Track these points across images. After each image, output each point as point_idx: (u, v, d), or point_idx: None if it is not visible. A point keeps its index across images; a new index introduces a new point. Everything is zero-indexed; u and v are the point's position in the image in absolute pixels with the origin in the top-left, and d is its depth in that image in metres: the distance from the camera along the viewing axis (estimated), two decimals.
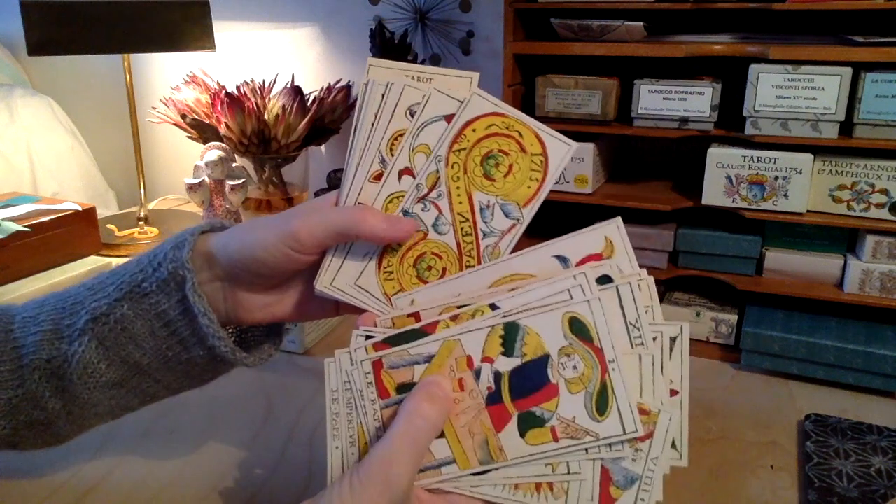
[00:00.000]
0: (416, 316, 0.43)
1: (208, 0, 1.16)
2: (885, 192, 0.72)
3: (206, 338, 0.46)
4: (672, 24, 0.87)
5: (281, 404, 0.72)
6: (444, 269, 0.46)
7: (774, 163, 0.74)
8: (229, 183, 1.12)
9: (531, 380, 0.40)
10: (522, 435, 0.40)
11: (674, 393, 0.41)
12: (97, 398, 0.48)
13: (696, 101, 0.76)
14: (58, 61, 1.54)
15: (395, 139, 0.46)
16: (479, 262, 0.47)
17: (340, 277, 0.47)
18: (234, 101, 1.10)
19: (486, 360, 0.40)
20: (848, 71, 0.69)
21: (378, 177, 0.47)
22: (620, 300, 0.40)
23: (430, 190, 0.46)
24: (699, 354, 0.82)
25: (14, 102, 1.33)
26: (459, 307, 0.42)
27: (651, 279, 0.41)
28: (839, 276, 0.77)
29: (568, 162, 0.46)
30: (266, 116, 1.14)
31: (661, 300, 0.85)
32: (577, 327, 0.39)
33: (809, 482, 0.58)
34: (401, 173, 0.46)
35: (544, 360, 0.39)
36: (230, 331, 0.54)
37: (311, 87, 1.28)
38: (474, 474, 0.41)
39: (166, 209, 1.35)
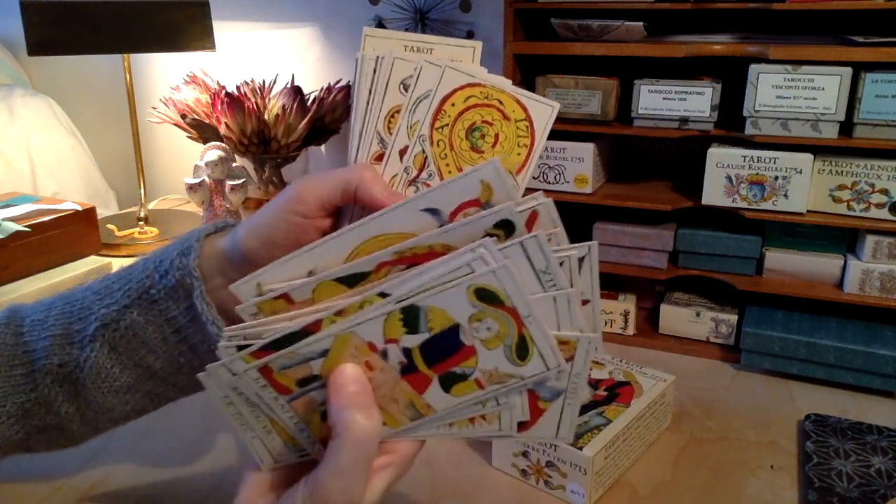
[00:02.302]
0: (285, 297, 0.39)
1: (208, 0, 1.16)
2: (885, 192, 0.72)
3: (216, 346, 0.46)
4: (672, 24, 0.87)
5: None
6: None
7: (774, 163, 0.74)
8: (229, 183, 1.12)
9: (444, 347, 0.37)
10: (447, 391, 0.38)
11: (585, 302, 0.39)
12: (111, 402, 0.48)
13: (696, 101, 0.76)
14: (58, 61, 1.54)
15: (392, 116, 0.45)
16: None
17: None
18: (234, 101, 1.10)
19: (390, 341, 0.37)
20: (848, 71, 0.69)
21: (379, 157, 0.45)
22: (527, 253, 0.36)
23: (420, 171, 0.45)
24: (699, 354, 0.82)
25: (14, 102, 1.33)
26: (340, 295, 0.38)
27: (550, 202, 0.38)
28: (839, 276, 0.77)
29: (554, 122, 0.45)
30: (266, 116, 1.14)
31: (661, 300, 0.85)
32: (485, 295, 0.36)
33: (809, 482, 0.58)
34: (401, 152, 0.45)
35: (455, 328, 0.37)
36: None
37: (311, 87, 1.28)
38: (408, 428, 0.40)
39: (166, 209, 1.35)
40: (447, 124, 0.45)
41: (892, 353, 0.71)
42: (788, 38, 0.79)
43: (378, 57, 0.44)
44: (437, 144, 0.45)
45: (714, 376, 0.78)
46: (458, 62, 0.45)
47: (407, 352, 0.38)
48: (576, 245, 0.39)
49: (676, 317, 0.83)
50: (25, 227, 0.95)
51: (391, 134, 0.45)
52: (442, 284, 0.36)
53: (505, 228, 0.37)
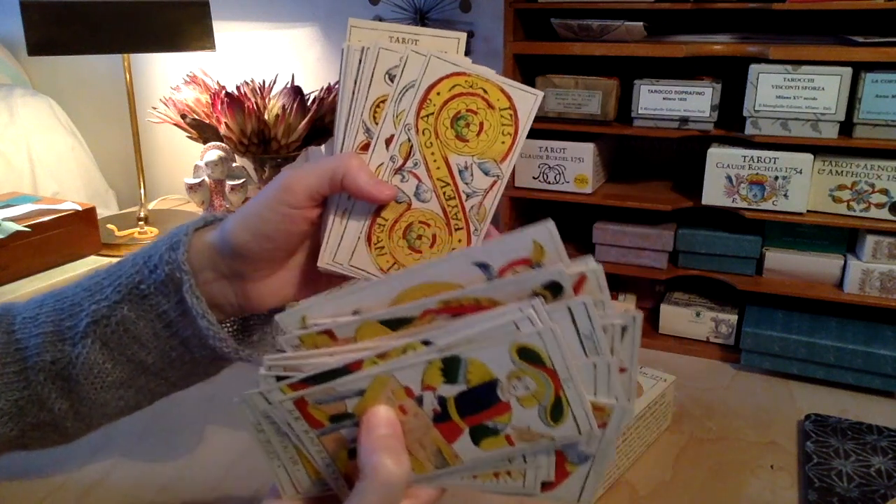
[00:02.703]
0: (329, 333, 0.39)
1: (208, 0, 1.16)
2: (885, 192, 0.72)
3: (207, 339, 0.46)
4: (672, 24, 0.87)
5: None
6: (434, 236, 0.46)
7: (774, 163, 0.74)
8: (229, 183, 1.12)
9: (480, 401, 0.37)
10: (477, 444, 0.38)
11: (622, 370, 0.39)
12: (104, 398, 0.48)
13: (696, 101, 0.76)
14: (58, 61, 1.54)
15: (378, 106, 0.45)
16: (468, 222, 0.46)
17: (340, 253, 0.46)
18: (234, 101, 1.10)
19: (427, 388, 0.37)
20: (848, 71, 0.69)
21: (365, 147, 0.46)
22: (573, 317, 0.36)
23: (406, 160, 0.46)
24: (699, 354, 0.82)
25: (14, 102, 1.33)
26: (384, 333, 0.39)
27: (600, 268, 0.38)
28: (839, 276, 0.77)
29: (538, 111, 0.46)
30: (266, 116, 1.14)
31: (661, 300, 0.85)
32: (527, 355, 0.36)
33: (809, 482, 0.58)
34: (387, 142, 0.45)
35: (493, 383, 0.37)
36: (230, 325, 0.53)
37: (311, 87, 1.28)
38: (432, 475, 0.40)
39: (166, 209, 1.35)
40: (432, 113, 0.45)
41: (892, 353, 0.71)
42: (788, 38, 0.79)
43: (363, 48, 0.45)
44: (423, 133, 0.45)
45: (714, 376, 0.78)
46: (443, 52, 0.46)
47: (442, 400, 0.38)
48: (621, 314, 0.38)
49: (676, 317, 0.83)
50: (25, 227, 0.95)
51: (377, 123, 0.45)
52: (486, 339, 0.36)
53: (552, 290, 0.37)
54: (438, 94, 0.45)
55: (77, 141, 1.41)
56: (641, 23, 0.76)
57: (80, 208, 1.03)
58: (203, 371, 0.50)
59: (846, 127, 0.71)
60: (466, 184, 0.46)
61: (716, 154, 0.76)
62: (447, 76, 0.45)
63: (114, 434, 0.67)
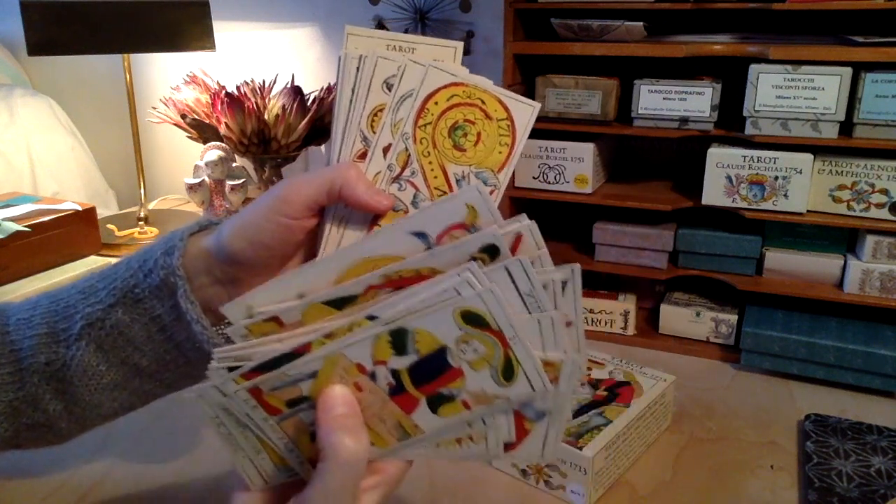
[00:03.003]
0: (275, 319, 0.40)
1: (208, 0, 1.16)
2: (885, 192, 0.72)
3: (201, 343, 0.46)
4: (672, 24, 0.87)
5: None
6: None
7: (774, 163, 0.74)
8: (229, 183, 1.12)
9: (432, 369, 0.38)
10: (435, 412, 0.39)
11: (568, 324, 0.40)
12: (98, 399, 0.48)
13: (696, 101, 0.76)
14: (58, 61, 1.54)
15: (376, 115, 0.45)
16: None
17: None
18: (234, 101, 1.10)
19: (378, 363, 0.38)
20: (848, 71, 0.69)
21: (362, 156, 0.45)
22: (511, 276, 0.38)
23: (403, 169, 0.45)
24: (699, 354, 0.82)
25: (14, 102, 1.33)
26: (329, 318, 0.39)
27: (533, 224, 0.39)
28: (839, 276, 0.77)
29: (535, 122, 0.45)
30: (266, 116, 1.14)
31: (661, 300, 0.85)
32: (471, 318, 0.37)
33: (809, 482, 0.58)
34: (385, 150, 0.45)
35: (442, 350, 0.38)
36: (226, 327, 0.53)
37: (311, 87, 1.28)
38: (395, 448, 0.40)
39: (166, 209, 1.35)
40: (430, 122, 0.45)
41: (892, 353, 0.71)
42: (788, 38, 0.79)
43: (361, 56, 0.45)
44: (420, 142, 0.45)
45: (714, 376, 0.78)
46: (440, 62, 0.46)
47: (395, 373, 0.38)
48: (559, 267, 0.40)
49: (676, 317, 0.83)
50: (25, 227, 0.95)
51: (374, 132, 0.45)
52: (429, 307, 0.37)
53: (490, 252, 0.38)
54: (436, 103, 0.45)
55: (77, 141, 1.41)
56: (641, 23, 0.76)
57: (80, 208, 1.03)
58: (199, 373, 0.50)
59: (846, 127, 0.71)
60: None
61: (716, 154, 0.76)
62: (445, 86, 0.45)
63: (113, 434, 0.67)
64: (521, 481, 0.60)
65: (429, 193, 0.45)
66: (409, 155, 0.45)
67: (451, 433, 0.41)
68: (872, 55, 0.68)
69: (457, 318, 0.37)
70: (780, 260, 0.79)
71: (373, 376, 0.39)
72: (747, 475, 0.61)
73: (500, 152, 0.46)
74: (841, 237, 0.77)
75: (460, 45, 0.47)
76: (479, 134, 0.45)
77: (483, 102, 0.45)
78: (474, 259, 0.38)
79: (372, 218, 0.45)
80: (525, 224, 0.39)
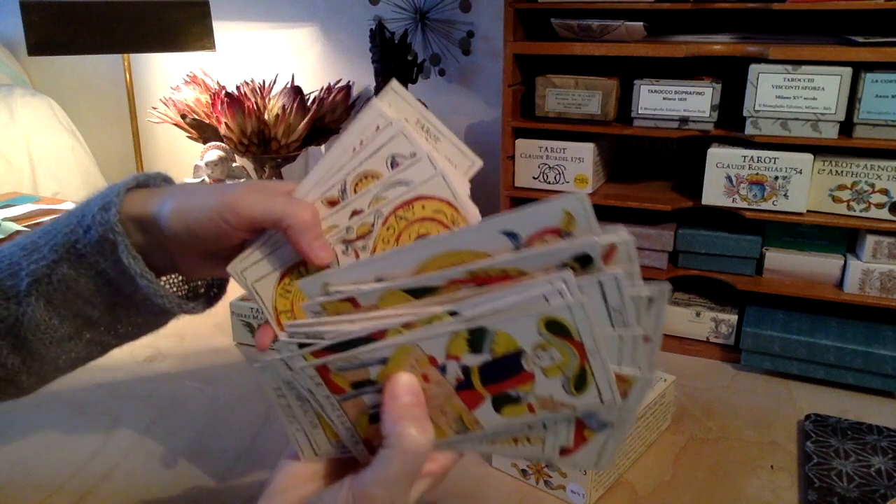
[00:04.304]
0: (352, 301, 0.40)
1: (208, 0, 1.16)
2: (885, 192, 0.72)
3: (150, 296, 0.46)
4: (672, 24, 0.87)
5: None
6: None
7: (774, 163, 0.74)
8: (229, 183, 1.12)
9: (504, 370, 0.38)
10: (498, 411, 0.39)
11: (646, 340, 0.38)
12: (55, 352, 0.48)
13: (696, 101, 0.76)
14: (58, 61, 1.54)
15: (365, 178, 0.45)
16: None
17: (251, 270, 0.46)
18: (234, 101, 1.10)
19: (451, 357, 0.38)
20: (848, 71, 0.69)
21: (332, 203, 0.45)
22: (603, 291, 0.36)
23: (358, 238, 0.45)
24: (699, 354, 0.82)
25: (14, 102, 1.33)
26: (409, 304, 0.39)
27: (632, 239, 0.37)
28: (839, 276, 0.77)
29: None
30: (266, 116, 1.14)
31: None
32: (555, 327, 0.36)
33: (809, 482, 0.58)
34: (354, 213, 0.45)
35: (518, 354, 0.37)
36: (173, 279, 0.53)
37: (311, 87, 1.28)
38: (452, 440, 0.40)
39: None
40: (407, 219, 0.45)
41: (892, 353, 0.71)
42: (788, 38, 0.79)
43: (389, 120, 0.44)
44: (388, 228, 0.45)
45: (714, 376, 0.78)
46: (452, 168, 0.45)
47: (466, 370, 0.38)
48: (649, 284, 0.38)
49: (676, 317, 0.83)
50: (25, 227, 0.95)
51: (355, 192, 0.45)
52: (515, 311, 0.36)
53: (582, 262, 0.37)
54: (423, 207, 0.45)
55: (77, 141, 1.41)
56: (641, 23, 0.76)
57: None
58: (151, 322, 0.50)
59: (846, 127, 0.71)
60: None
61: (716, 154, 0.76)
62: (440, 199, 0.45)
63: (115, 434, 0.67)
64: (522, 481, 0.60)
65: None
66: (372, 231, 0.45)
67: (510, 433, 0.40)
68: (872, 55, 0.68)
69: (540, 325, 0.36)
70: (780, 260, 0.79)
71: (443, 369, 0.38)
72: (747, 475, 0.61)
73: None
74: (841, 237, 0.77)
75: (479, 162, 0.46)
76: None
77: None
78: (565, 266, 0.37)
79: (300, 260, 0.45)
80: (623, 238, 0.37)
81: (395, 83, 0.45)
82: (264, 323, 0.48)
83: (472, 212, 0.45)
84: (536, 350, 0.37)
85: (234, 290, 0.52)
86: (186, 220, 0.44)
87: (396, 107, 0.45)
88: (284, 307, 0.47)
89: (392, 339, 0.38)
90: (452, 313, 0.37)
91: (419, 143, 0.44)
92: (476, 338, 0.37)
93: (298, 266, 0.46)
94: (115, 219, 0.45)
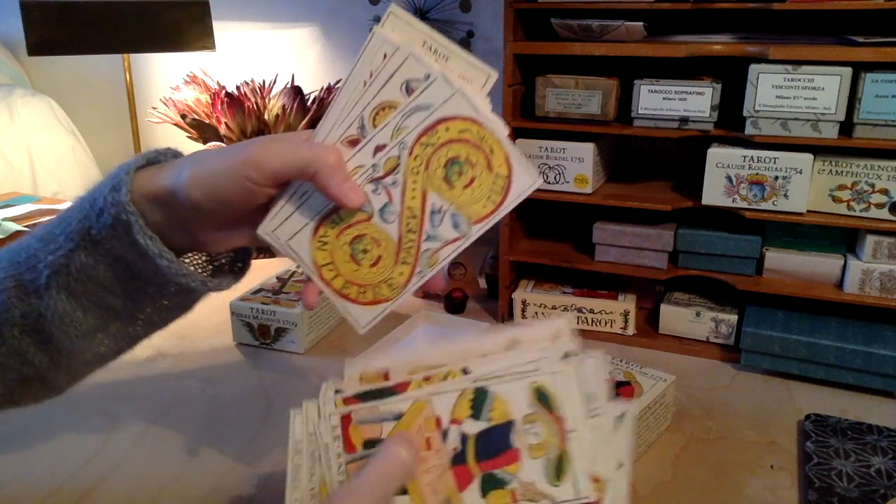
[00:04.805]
0: (385, 375, 0.42)
1: (208, 0, 1.16)
2: (885, 192, 0.72)
3: (171, 276, 0.44)
4: (672, 24, 0.87)
5: (281, 404, 0.72)
6: (378, 258, 0.45)
7: (774, 163, 0.74)
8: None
9: (496, 443, 0.41)
10: (484, 496, 0.41)
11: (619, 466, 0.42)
12: (82, 346, 0.47)
13: (696, 101, 0.76)
14: (58, 61, 1.54)
15: (383, 108, 0.43)
16: (416, 262, 0.45)
17: (283, 228, 0.45)
18: (234, 101, 1.10)
19: (454, 421, 0.41)
20: (848, 71, 0.69)
21: (353, 143, 0.44)
22: (581, 374, 0.40)
23: (386, 174, 0.44)
24: (699, 354, 0.82)
25: (14, 102, 1.33)
26: (431, 368, 0.42)
27: (604, 357, 0.42)
28: (839, 276, 0.77)
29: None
30: (266, 116, 1.14)
31: (661, 300, 0.85)
32: (542, 397, 0.40)
33: (809, 482, 0.58)
34: (377, 149, 0.44)
35: (509, 425, 0.40)
36: (196, 259, 0.51)
37: (311, 87, 1.28)
38: None
39: None
40: (433, 144, 0.44)
41: (892, 353, 0.71)
42: (788, 38, 0.79)
43: (395, 46, 0.43)
44: (415, 158, 0.44)
45: (714, 376, 0.78)
46: (469, 84, 0.44)
47: (464, 438, 0.41)
48: (615, 402, 0.41)
49: (676, 317, 0.83)
50: (25, 227, 0.95)
51: (374, 126, 0.44)
52: (511, 374, 0.40)
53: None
54: (447, 129, 0.44)
55: (77, 141, 1.41)
56: (641, 23, 0.76)
57: None
58: (178, 305, 0.49)
59: (846, 127, 0.71)
60: (433, 226, 0.45)
61: (716, 154, 0.76)
62: (463, 118, 0.44)
63: (115, 434, 0.67)
64: None
65: (400, 209, 0.45)
66: (399, 165, 0.44)
67: None
68: (872, 55, 0.68)
69: (531, 393, 0.40)
70: (780, 260, 0.79)
71: (445, 434, 0.40)
72: (747, 475, 0.61)
73: (484, 206, 0.45)
74: (841, 237, 0.77)
75: (495, 74, 0.45)
76: (473, 179, 0.44)
77: (491, 152, 0.44)
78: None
79: (334, 205, 0.45)
80: (598, 356, 0.41)
81: (394, 7, 0.44)
82: (307, 280, 0.47)
83: (498, 126, 0.44)
84: (525, 423, 0.40)
85: (233, 291, 0.52)
86: (206, 184, 0.43)
87: (400, 31, 0.44)
88: (324, 260, 0.46)
89: (411, 391, 0.41)
90: (465, 370, 0.40)
91: (431, 65, 0.43)
92: (479, 399, 0.41)
93: (331, 214, 0.45)
94: (126, 198, 0.43)
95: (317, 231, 0.45)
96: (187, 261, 0.50)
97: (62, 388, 0.50)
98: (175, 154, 0.48)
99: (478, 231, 0.45)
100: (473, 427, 0.40)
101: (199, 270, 0.50)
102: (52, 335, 0.46)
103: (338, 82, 1.25)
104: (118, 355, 0.50)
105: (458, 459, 0.41)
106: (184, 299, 0.48)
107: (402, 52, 0.43)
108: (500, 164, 0.44)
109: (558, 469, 0.40)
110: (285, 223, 0.45)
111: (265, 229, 0.45)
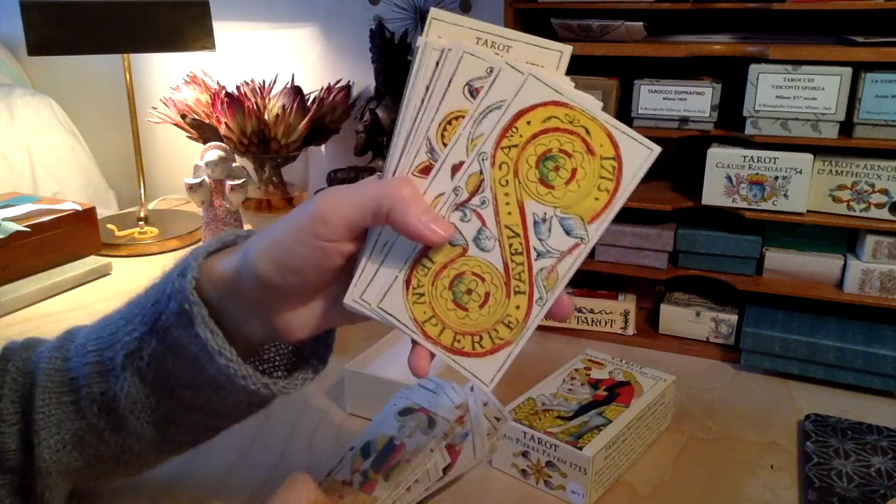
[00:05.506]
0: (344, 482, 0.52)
1: (208, 0, 1.16)
2: (885, 192, 0.72)
3: (230, 378, 0.40)
4: (672, 24, 0.87)
5: (281, 404, 0.72)
6: (486, 295, 0.38)
7: (774, 163, 0.74)
8: (229, 183, 1.12)
9: (386, 455, 0.52)
10: (387, 480, 0.51)
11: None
12: (152, 434, 0.45)
13: (696, 101, 0.76)
14: (58, 61, 1.54)
15: (450, 122, 0.37)
16: (532, 288, 0.38)
17: (370, 291, 0.39)
18: (234, 101, 1.10)
19: (354, 471, 0.52)
20: (848, 71, 0.69)
21: (425, 170, 0.38)
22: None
23: (472, 195, 0.38)
24: (699, 354, 0.82)
25: (14, 102, 1.33)
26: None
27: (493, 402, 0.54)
28: (839, 276, 0.77)
29: (648, 168, 0.37)
30: (266, 116, 1.14)
31: (661, 300, 0.85)
32: (405, 411, 0.54)
33: (809, 482, 0.58)
34: (454, 168, 0.37)
35: (391, 439, 0.53)
36: (274, 352, 0.48)
37: (311, 87, 1.28)
38: None
39: (166, 209, 1.35)
40: (517, 145, 0.37)
41: (892, 353, 0.71)
42: (788, 38, 0.79)
43: (444, 48, 0.37)
44: (500, 167, 0.37)
45: (714, 376, 0.78)
46: (541, 69, 0.38)
47: (364, 473, 0.51)
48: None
49: (676, 317, 0.83)
50: (25, 227, 0.95)
51: (445, 144, 0.38)
52: (383, 423, 0.54)
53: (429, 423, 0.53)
54: (529, 123, 0.37)
55: (77, 141, 1.41)
56: (641, 23, 0.76)
57: (80, 208, 1.03)
58: (245, 408, 0.46)
59: (846, 127, 0.71)
60: (540, 240, 0.38)
61: (716, 154, 0.76)
62: (544, 104, 0.37)
63: None
64: (522, 481, 0.60)
65: (497, 231, 0.38)
66: (483, 180, 0.37)
67: (402, 486, 0.50)
68: (872, 55, 0.68)
69: (396, 416, 0.53)
70: (780, 260, 0.79)
71: (350, 483, 0.50)
72: (747, 475, 0.61)
73: (596, 198, 0.38)
74: (841, 237, 0.77)
75: (568, 49, 0.39)
76: (574, 171, 0.38)
77: (587, 132, 0.38)
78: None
79: (422, 248, 0.38)
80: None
81: (434, 10, 0.38)
82: (414, 345, 0.40)
83: (588, 101, 0.38)
84: (402, 429, 0.52)
85: None
86: (274, 253, 0.38)
87: (448, 34, 0.38)
88: (425, 314, 0.39)
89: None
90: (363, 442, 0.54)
91: (491, 56, 0.37)
92: (365, 450, 0.52)
93: (421, 259, 0.39)
94: (190, 286, 0.39)
95: (409, 283, 0.39)
96: (270, 352, 0.46)
97: (136, 472, 0.48)
98: (247, 236, 0.44)
99: (596, 230, 0.39)
100: (367, 464, 0.52)
101: (281, 360, 0.47)
102: (125, 418, 0.43)
103: (338, 82, 1.25)
104: (194, 445, 0.47)
105: (363, 483, 0.51)
106: (250, 402, 0.45)
107: (455, 51, 0.37)
108: (603, 145, 0.38)
109: (430, 423, 0.53)
110: (371, 284, 0.39)
111: (352, 297, 0.39)
